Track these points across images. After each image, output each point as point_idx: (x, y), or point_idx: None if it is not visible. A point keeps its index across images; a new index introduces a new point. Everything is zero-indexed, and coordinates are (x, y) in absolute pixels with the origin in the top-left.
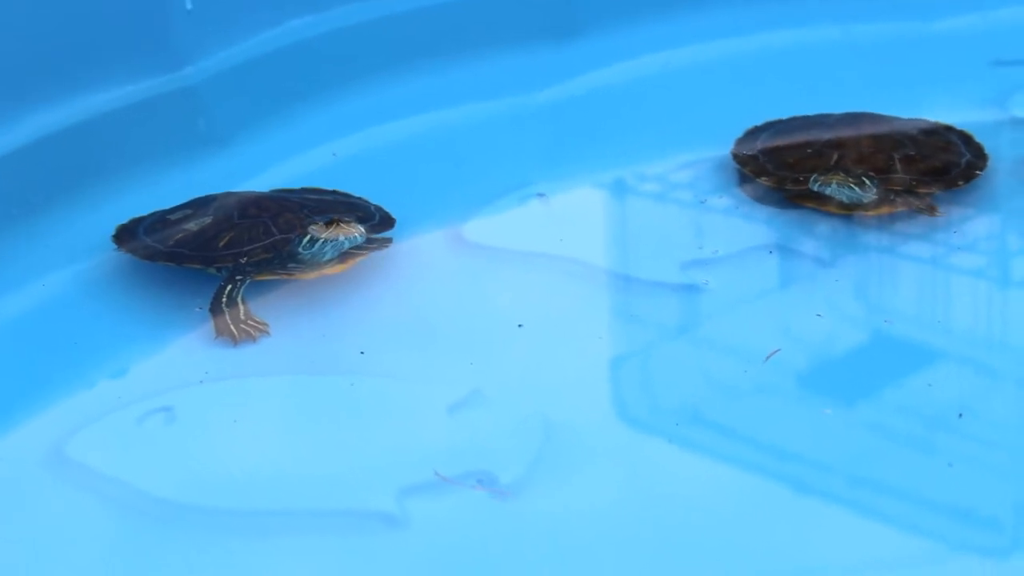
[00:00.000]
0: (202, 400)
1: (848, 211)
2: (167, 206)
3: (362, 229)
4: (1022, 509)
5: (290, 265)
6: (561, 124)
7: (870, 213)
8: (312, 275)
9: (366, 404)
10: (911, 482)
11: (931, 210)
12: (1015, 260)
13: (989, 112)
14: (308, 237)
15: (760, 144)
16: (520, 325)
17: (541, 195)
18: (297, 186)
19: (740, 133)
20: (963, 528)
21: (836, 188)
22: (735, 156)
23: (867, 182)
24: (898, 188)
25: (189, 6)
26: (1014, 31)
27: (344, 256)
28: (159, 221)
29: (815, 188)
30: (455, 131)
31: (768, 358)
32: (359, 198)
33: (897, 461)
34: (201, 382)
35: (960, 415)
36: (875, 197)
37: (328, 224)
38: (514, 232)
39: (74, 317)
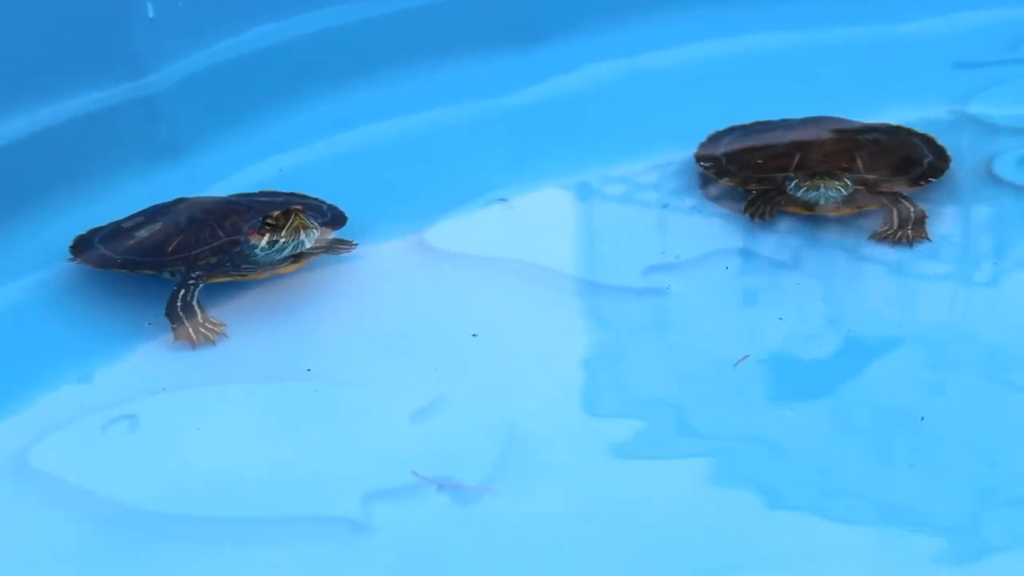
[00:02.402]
0: (165, 408)
1: (810, 211)
2: (129, 214)
3: (316, 223)
4: (983, 511)
5: (243, 266)
6: (525, 129)
7: (833, 213)
8: (266, 275)
9: (329, 410)
10: (874, 484)
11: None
12: (978, 262)
13: (951, 114)
14: (266, 237)
15: (723, 147)
16: (478, 333)
17: (503, 200)
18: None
19: (704, 137)
20: (925, 529)
21: (824, 191)
22: (698, 159)
23: (848, 181)
24: (859, 188)
25: (151, 14)
26: (976, 34)
27: (298, 256)
28: (114, 230)
29: (798, 194)
30: (418, 137)
31: (737, 364)
32: (313, 198)
33: (860, 463)
34: (164, 389)
35: (922, 418)
36: (847, 194)
37: (285, 214)
38: (477, 237)
39: (35, 326)
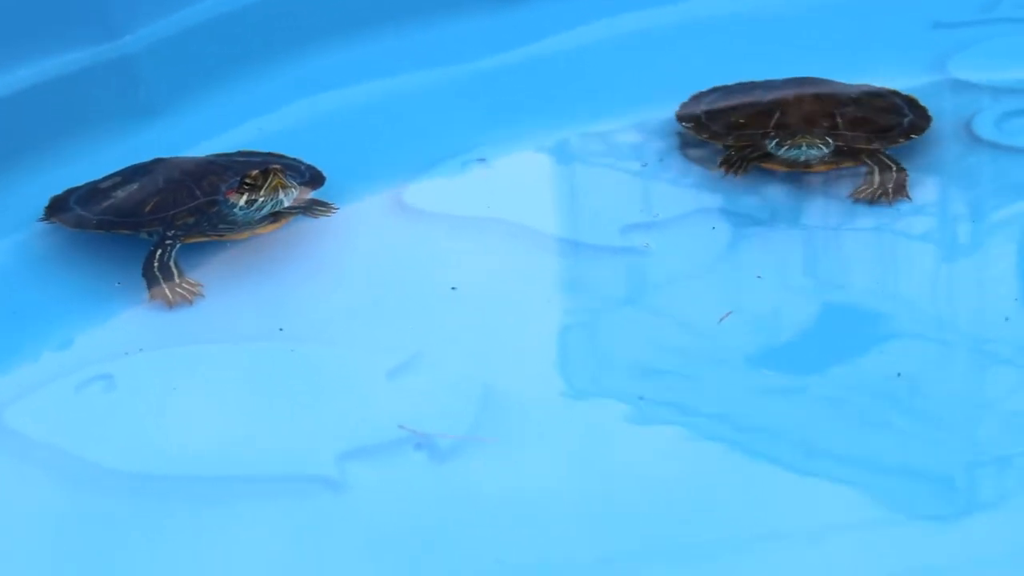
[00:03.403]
0: (142, 368)
1: (790, 168)
2: (105, 175)
3: (294, 183)
4: (963, 469)
5: (221, 226)
6: (504, 89)
7: (813, 170)
8: (244, 235)
9: (306, 370)
10: (857, 446)
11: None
12: (957, 222)
13: (930, 74)
14: (245, 196)
15: (704, 106)
16: (458, 288)
17: (482, 160)
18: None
19: (684, 98)
20: (908, 491)
21: (806, 149)
22: (679, 117)
23: (829, 139)
24: (840, 145)
25: None
26: None
27: (276, 215)
28: (90, 191)
29: (780, 152)
30: (397, 98)
31: (722, 320)
32: (291, 158)
33: (843, 425)
34: (141, 350)
35: (899, 374)
36: (828, 152)
37: (264, 173)
38: (455, 197)
39: (11, 287)
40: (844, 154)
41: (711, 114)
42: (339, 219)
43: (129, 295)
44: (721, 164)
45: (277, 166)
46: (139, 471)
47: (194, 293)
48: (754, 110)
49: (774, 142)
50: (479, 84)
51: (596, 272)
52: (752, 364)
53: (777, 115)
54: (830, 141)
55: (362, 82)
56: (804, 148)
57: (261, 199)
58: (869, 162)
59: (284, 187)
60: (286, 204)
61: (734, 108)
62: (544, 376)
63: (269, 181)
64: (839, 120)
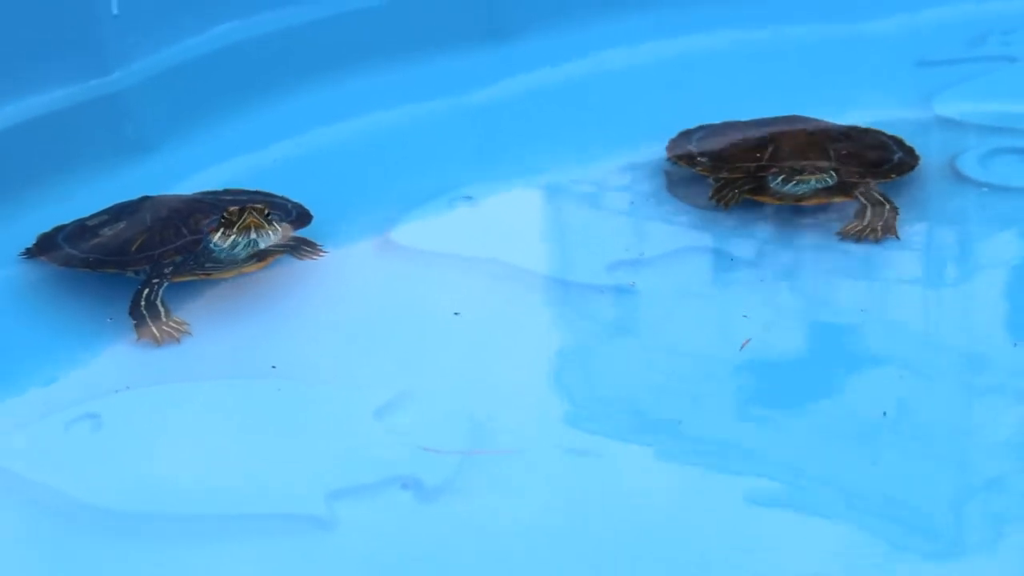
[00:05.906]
0: (129, 406)
1: (780, 200)
2: (93, 212)
3: (272, 222)
4: (952, 506)
5: (207, 265)
6: (492, 127)
7: (803, 203)
8: (231, 274)
9: (294, 408)
10: (845, 480)
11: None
12: (942, 259)
13: (916, 112)
14: (220, 232)
15: (693, 142)
16: (442, 331)
17: (469, 198)
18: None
19: (671, 135)
20: (894, 526)
21: (814, 184)
22: (668, 152)
23: (833, 172)
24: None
25: (116, 11)
26: (939, 31)
27: (262, 254)
28: (78, 228)
29: (784, 188)
30: (384, 135)
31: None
32: (279, 196)
33: (830, 459)
34: (128, 388)
35: (884, 413)
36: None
37: (240, 210)
38: (442, 235)
39: None
40: (836, 189)
41: (702, 149)
42: (326, 256)
43: (117, 333)
44: (712, 195)
45: (258, 205)
46: (127, 509)
47: (181, 331)
48: (746, 145)
49: (780, 178)
50: (466, 121)
51: (582, 311)
52: (740, 399)
53: (770, 149)
54: (833, 174)
55: (350, 118)
56: (813, 183)
57: (234, 236)
58: (861, 198)
59: (258, 227)
60: (262, 245)
61: (725, 142)
62: (531, 412)
63: (243, 219)
64: (832, 155)
